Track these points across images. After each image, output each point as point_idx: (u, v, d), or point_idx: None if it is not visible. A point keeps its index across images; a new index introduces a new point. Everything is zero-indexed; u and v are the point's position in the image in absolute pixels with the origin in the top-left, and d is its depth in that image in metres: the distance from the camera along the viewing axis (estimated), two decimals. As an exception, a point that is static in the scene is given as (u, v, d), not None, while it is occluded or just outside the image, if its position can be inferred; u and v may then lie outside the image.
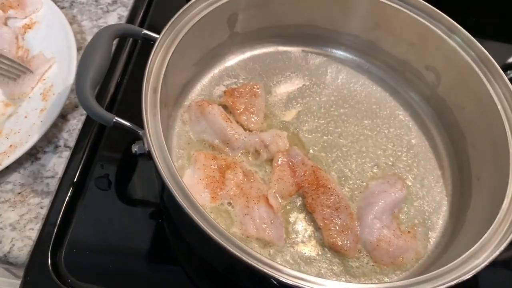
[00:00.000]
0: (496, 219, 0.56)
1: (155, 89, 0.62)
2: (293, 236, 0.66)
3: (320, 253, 0.65)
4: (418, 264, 0.66)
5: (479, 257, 0.53)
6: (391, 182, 0.70)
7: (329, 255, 0.65)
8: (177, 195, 0.52)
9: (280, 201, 0.69)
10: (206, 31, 0.73)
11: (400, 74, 0.83)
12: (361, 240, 0.65)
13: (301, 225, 0.67)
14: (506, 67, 1.04)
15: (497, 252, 0.53)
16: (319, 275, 0.63)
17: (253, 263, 0.50)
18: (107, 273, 0.64)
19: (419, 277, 0.52)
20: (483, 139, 0.69)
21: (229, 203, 0.67)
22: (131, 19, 0.90)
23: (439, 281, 0.52)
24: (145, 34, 0.68)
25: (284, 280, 0.49)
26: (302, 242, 0.66)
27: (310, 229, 0.67)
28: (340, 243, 0.64)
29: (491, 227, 0.56)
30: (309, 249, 0.65)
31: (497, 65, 0.68)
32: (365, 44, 0.83)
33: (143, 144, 0.59)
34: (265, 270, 0.49)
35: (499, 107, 0.66)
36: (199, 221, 0.51)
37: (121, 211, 0.70)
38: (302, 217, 0.68)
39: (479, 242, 0.54)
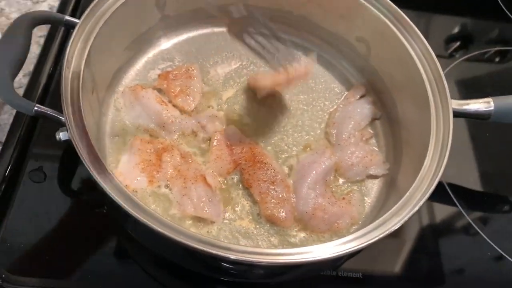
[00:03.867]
0: (419, 175, 0.58)
1: (77, 74, 0.60)
2: (232, 212, 0.67)
3: (258, 226, 0.66)
4: (354, 229, 0.67)
5: (402, 213, 0.55)
6: (319, 152, 0.71)
7: (266, 228, 0.66)
8: (98, 178, 0.52)
9: (219, 179, 0.69)
10: (133, 14, 0.73)
11: (334, 47, 0.84)
12: (297, 212, 0.67)
13: (239, 201, 0.68)
14: (450, 39, 1.07)
15: (421, 203, 0.55)
16: (257, 247, 0.64)
17: (177, 239, 0.50)
18: (44, 265, 0.63)
19: (346, 237, 0.54)
20: (410, 103, 0.71)
21: (167, 186, 0.67)
22: (61, 9, 0.88)
23: (366, 238, 0.54)
24: (68, 20, 0.66)
25: (210, 251, 0.49)
26: (240, 217, 0.67)
27: (248, 205, 0.68)
28: (276, 214, 0.65)
29: (415, 183, 0.58)
30: (247, 224, 0.66)
31: (413, 25, 0.70)
32: (298, 19, 0.84)
33: (67, 131, 0.58)
34: (191, 244, 0.50)
35: (421, 69, 0.68)
36: (123, 203, 0.51)
37: (60, 203, 0.70)
38: (240, 193, 0.69)
39: (404, 197, 0.57)
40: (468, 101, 0.66)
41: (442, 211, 0.75)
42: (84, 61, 0.62)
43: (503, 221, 0.79)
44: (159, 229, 0.51)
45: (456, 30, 1.11)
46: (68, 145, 0.59)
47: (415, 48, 0.70)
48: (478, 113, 0.66)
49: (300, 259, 0.51)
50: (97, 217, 0.69)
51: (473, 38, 1.09)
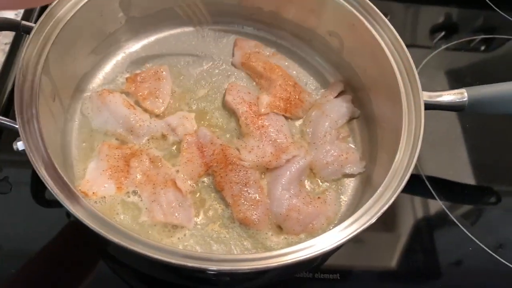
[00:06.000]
0: (391, 169, 0.56)
1: (32, 82, 0.58)
2: (204, 216, 0.65)
3: (230, 230, 0.64)
4: (331, 229, 0.65)
5: (374, 209, 0.54)
6: (294, 151, 0.69)
7: (240, 231, 0.64)
8: (52, 187, 0.50)
9: (189, 183, 0.67)
10: (96, 18, 0.70)
11: (307, 43, 0.82)
12: (271, 213, 0.65)
13: (211, 204, 0.66)
14: (435, 29, 1.06)
15: (390, 202, 0.53)
16: (230, 252, 0.62)
17: (131, 247, 0.48)
18: (13, 282, 0.61)
19: (313, 239, 0.52)
20: (383, 97, 0.69)
21: (135, 192, 0.65)
22: (27, 14, 0.85)
23: (339, 236, 0.53)
24: (24, 25, 0.64)
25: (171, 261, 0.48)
26: (212, 222, 0.65)
27: (220, 208, 0.66)
28: (249, 217, 0.63)
29: (387, 176, 0.56)
30: (219, 228, 0.64)
31: (380, 13, 0.68)
32: (270, 15, 0.82)
33: (22, 140, 0.56)
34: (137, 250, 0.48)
35: (392, 62, 0.66)
36: (77, 212, 0.49)
37: (27, 213, 0.67)
38: (212, 196, 0.67)
39: (374, 196, 0.55)
40: (441, 92, 0.64)
41: (421, 204, 0.74)
42: (40, 68, 0.60)
43: (494, 213, 0.78)
44: (112, 237, 0.49)
45: (441, 19, 1.09)
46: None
47: (385, 39, 0.68)
48: (451, 105, 0.64)
49: (264, 265, 0.50)
50: (72, 226, 0.67)
51: (458, 27, 1.07)
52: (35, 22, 0.66)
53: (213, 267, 0.48)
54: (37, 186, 0.70)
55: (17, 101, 0.55)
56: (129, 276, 0.65)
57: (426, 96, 0.62)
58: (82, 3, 0.66)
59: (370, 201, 0.55)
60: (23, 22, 0.64)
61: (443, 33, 1.05)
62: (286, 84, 0.75)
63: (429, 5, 1.09)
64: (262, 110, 0.72)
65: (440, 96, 0.64)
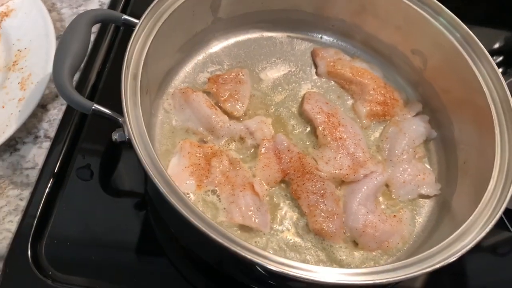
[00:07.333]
0: (481, 202, 0.56)
1: (135, 75, 0.60)
2: (279, 222, 0.66)
3: (305, 239, 0.64)
4: (405, 249, 0.65)
5: (464, 239, 0.53)
6: (371, 166, 0.69)
7: (314, 242, 0.64)
8: (158, 182, 0.51)
9: (266, 188, 0.68)
10: (189, 16, 0.72)
11: (387, 58, 0.82)
12: (347, 227, 0.65)
13: (287, 211, 0.67)
14: (493, 53, 1.04)
15: (482, 234, 0.53)
16: (304, 261, 0.62)
17: (236, 250, 0.49)
18: (89, 264, 0.64)
19: (404, 261, 0.52)
20: (469, 122, 0.68)
21: (214, 191, 0.66)
22: (112, 5, 0.88)
23: (424, 265, 0.52)
24: (125, 19, 0.66)
25: (269, 266, 0.48)
26: (287, 229, 0.65)
27: (295, 216, 0.66)
28: (325, 229, 0.64)
29: (476, 210, 0.55)
30: (295, 236, 0.65)
31: (482, 46, 0.67)
32: (352, 28, 0.82)
33: (124, 132, 0.57)
34: (249, 257, 0.48)
35: (485, 89, 0.65)
36: (181, 208, 0.50)
37: (104, 202, 0.70)
38: (288, 203, 0.67)
39: (464, 225, 0.54)
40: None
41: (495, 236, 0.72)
42: (142, 62, 0.61)
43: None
44: (215, 237, 0.49)
45: (498, 44, 1.07)
46: (112, 144, 0.59)
47: (478, 66, 0.67)
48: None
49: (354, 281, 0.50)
50: (140, 217, 0.69)
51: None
52: (122, 12, 0.68)
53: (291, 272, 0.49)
54: (104, 175, 0.72)
55: (124, 94, 0.56)
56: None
57: (523, 127, 0.61)
58: (180, 2, 0.68)
59: (457, 233, 0.53)
60: (125, 16, 0.65)
61: (501, 58, 1.03)
62: (379, 87, 0.76)
63: (484, 27, 1.06)
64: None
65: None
